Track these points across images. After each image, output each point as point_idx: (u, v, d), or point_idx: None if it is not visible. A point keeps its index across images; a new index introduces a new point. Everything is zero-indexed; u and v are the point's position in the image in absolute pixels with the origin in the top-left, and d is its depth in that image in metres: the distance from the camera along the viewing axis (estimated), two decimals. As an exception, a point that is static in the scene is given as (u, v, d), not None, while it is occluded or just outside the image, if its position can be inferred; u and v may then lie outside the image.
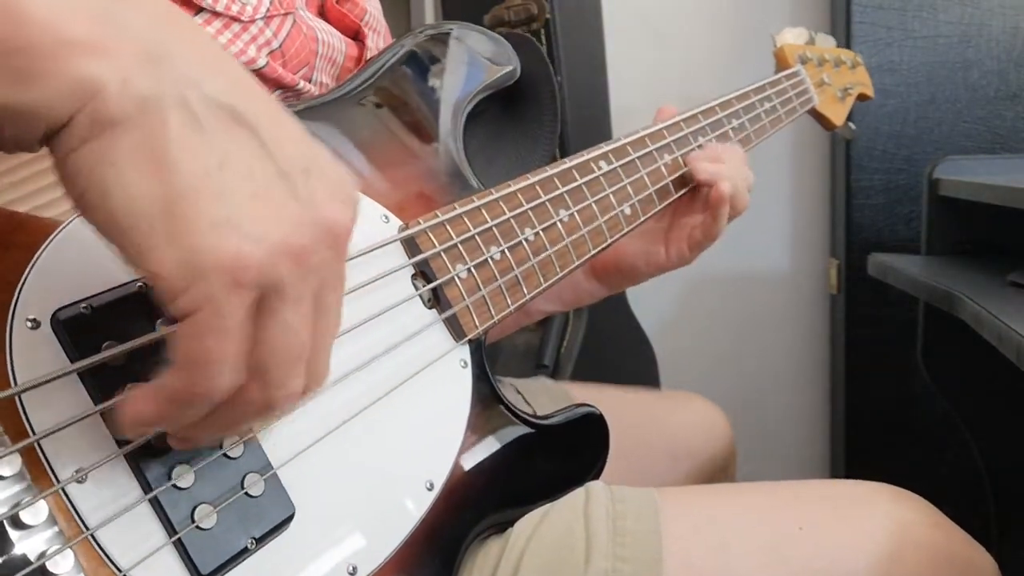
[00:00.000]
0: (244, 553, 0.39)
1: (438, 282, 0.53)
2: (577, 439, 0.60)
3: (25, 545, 0.33)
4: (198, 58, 0.31)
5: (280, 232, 0.31)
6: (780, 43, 0.93)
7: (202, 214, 0.29)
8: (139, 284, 0.39)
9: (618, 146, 0.68)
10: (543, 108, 0.70)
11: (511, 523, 0.56)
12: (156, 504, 0.37)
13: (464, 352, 0.55)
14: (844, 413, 1.59)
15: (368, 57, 0.68)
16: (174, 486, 0.38)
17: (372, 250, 0.50)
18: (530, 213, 0.59)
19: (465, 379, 0.55)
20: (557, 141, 0.72)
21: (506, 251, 0.57)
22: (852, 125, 1.02)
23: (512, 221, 0.58)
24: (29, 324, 0.36)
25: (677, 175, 0.72)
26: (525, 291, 0.58)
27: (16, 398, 0.34)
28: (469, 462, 0.53)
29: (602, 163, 0.66)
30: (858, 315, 1.54)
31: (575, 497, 0.58)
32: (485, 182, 0.60)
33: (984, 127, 1.45)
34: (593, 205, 0.64)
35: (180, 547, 0.37)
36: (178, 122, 0.29)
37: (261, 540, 0.40)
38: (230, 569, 0.39)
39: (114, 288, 0.38)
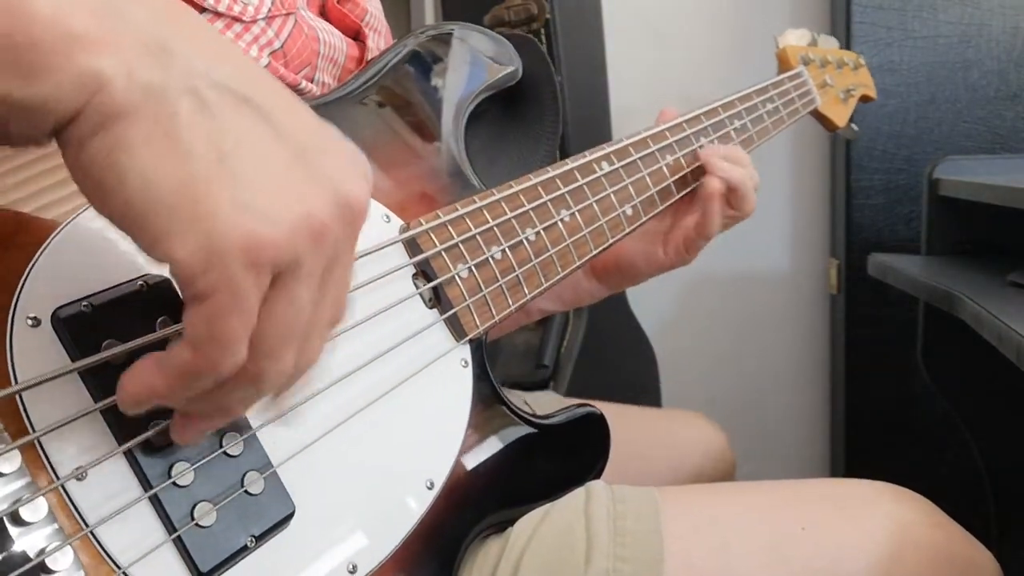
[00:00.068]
0: (244, 551, 0.39)
1: (439, 281, 0.53)
2: (578, 439, 0.60)
3: (25, 542, 0.33)
4: (203, 48, 0.31)
5: (298, 211, 0.31)
6: (783, 44, 0.94)
7: (219, 197, 0.29)
8: (140, 283, 0.39)
9: (620, 147, 0.68)
10: (545, 108, 0.70)
11: (511, 522, 0.56)
12: (156, 502, 0.37)
13: (465, 351, 0.55)
14: (844, 413, 1.59)
15: (369, 57, 0.68)
16: (174, 484, 0.38)
17: (374, 250, 0.50)
18: (531, 213, 0.59)
19: (466, 378, 0.55)
20: (559, 142, 0.72)
21: (507, 251, 0.57)
22: (855, 126, 1.02)
23: (513, 221, 0.58)
24: (30, 322, 0.36)
25: (679, 176, 0.72)
26: (526, 291, 0.58)
27: (17, 396, 0.35)
28: (470, 461, 0.53)
29: (604, 164, 0.66)
30: (858, 315, 1.54)
31: (576, 497, 0.58)
32: (487, 182, 0.60)
33: (984, 127, 1.45)
34: (594, 205, 0.64)
35: (180, 545, 0.37)
36: (188, 108, 0.30)
37: (261, 538, 0.40)
38: (230, 567, 0.39)
39: (115, 287, 0.38)
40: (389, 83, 0.59)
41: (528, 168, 0.62)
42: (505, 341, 1.32)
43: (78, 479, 0.35)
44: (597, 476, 0.61)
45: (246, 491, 0.40)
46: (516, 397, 0.82)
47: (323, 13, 0.69)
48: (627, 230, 0.67)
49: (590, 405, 0.61)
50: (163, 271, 0.39)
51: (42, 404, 0.35)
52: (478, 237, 0.56)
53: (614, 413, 0.65)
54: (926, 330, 1.17)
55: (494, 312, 0.56)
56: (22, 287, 0.36)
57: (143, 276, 0.39)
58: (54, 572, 0.34)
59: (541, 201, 0.60)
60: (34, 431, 0.34)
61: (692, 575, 0.54)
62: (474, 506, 0.54)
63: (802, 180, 1.67)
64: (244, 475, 0.40)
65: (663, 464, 0.90)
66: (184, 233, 0.29)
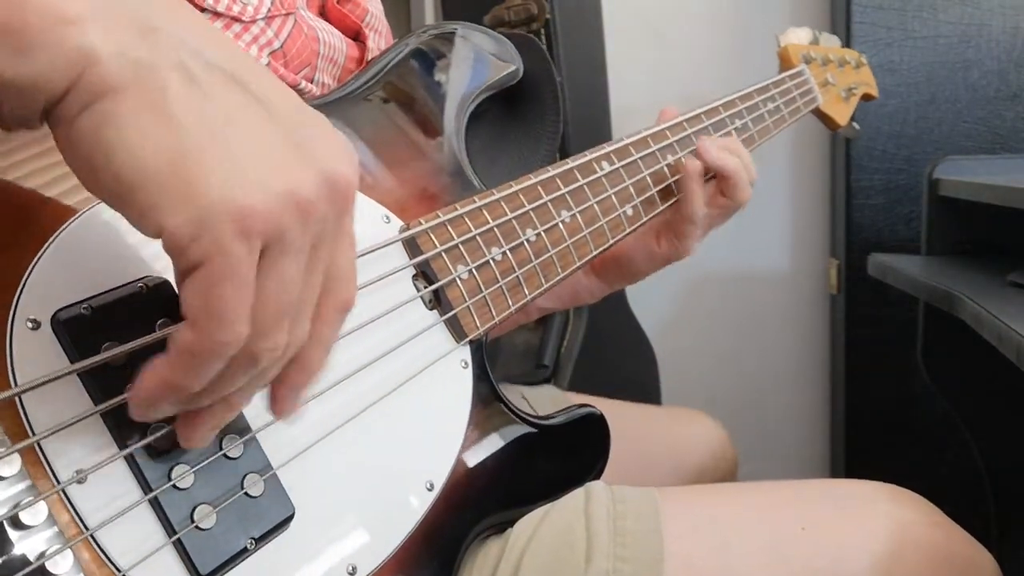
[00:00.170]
0: (244, 553, 0.39)
1: (439, 284, 0.53)
2: (578, 439, 0.60)
3: (25, 545, 0.33)
4: (192, 31, 0.32)
5: (285, 186, 0.31)
6: (784, 43, 0.94)
7: (208, 169, 0.30)
8: (139, 284, 0.39)
9: (620, 146, 0.68)
10: (545, 108, 0.70)
11: (511, 523, 0.56)
12: (156, 504, 0.37)
13: (465, 352, 0.55)
14: (844, 413, 1.59)
15: (369, 58, 0.68)
16: (174, 487, 0.38)
17: (374, 250, 0.50)
18: (532, 214, 0.59)
19: (466, 379, 0.54)
20: (559, 141, 0.72)
21: (507, 252, 0.57)
22: (856, 125, 1.02)
23: (514, 222, 0.58)
24: (30, 325, 0.36)
25: (680, 175, 0.72)
26: (526, 292, 0.58)
27: (16, 399, 0.34)
28: (470, 462, 0.53)
29: (604, 163, 0.66)
30: (858, 315, 1.54)
31: (576, 497, 0.58)
32: (487, 182, 0.60)
33: (984, 127, 1.45)
34: (595, 206, 0.64)
35: (180, 547, 0.37)
36: (177, 84, 0.30)
37: (261, 540, 0.40)
38: (230, 569, 0.39)
39: (115, 289, 0.38)
40: (390, 82, 0.59)
41: (529, 168, 0.62)
42: (505, 341, 1.32)
43: (78, 482, 0.35)
44: (597, 476, 0.61)
45: (246, 493, 0.40)
46: (515, 393, 0.82)
47: (323, 13, 0.69)
48: (628, 230, 0.67)
49: (590, 406, 0.61)
50: (163, 273, 0.39)
51: (42, 407, 0.35)
52: (478, 238, 0.56)
53: (615, 410, 0.65)
54: (926, 330, 1.17)
55: (494, 313, 0.56)
56: (22, 289, 0.36)
57: (143, 278, 0.39)
58: (54, 575, 0.34)
59: (541, 201, 0.60)
60: (34, 434, 0.34)
61: (692, 575, 0.54)
62: (474, 507, 0.54)
63: (802, 180, 1.67)
64: (244, 477, 0.40)
65: (665, 462, 0.90)
66: (173, 204, 0.29)
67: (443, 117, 0.60)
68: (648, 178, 0.69)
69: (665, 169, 0.71)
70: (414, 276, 0.53)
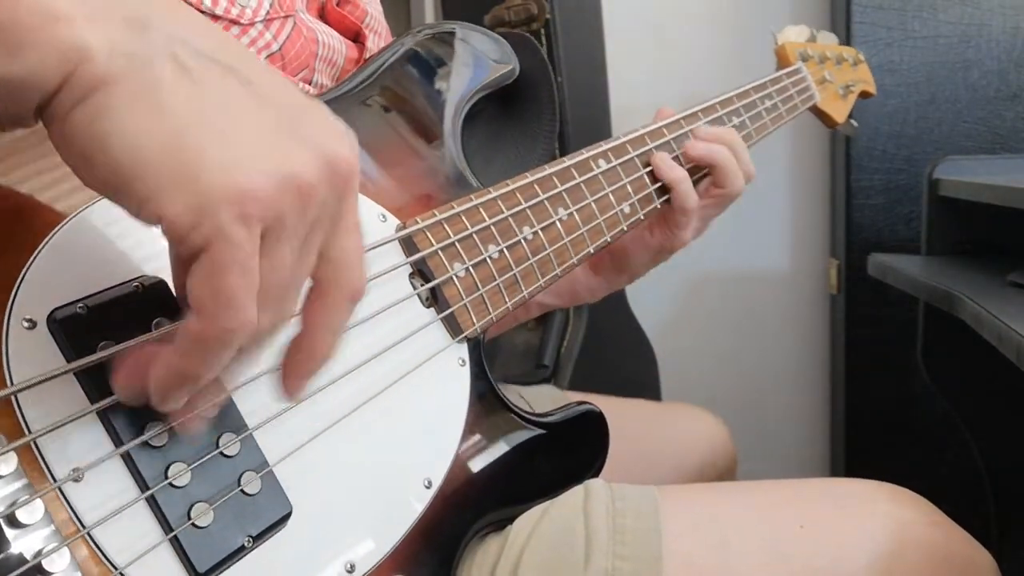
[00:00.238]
0: (241, 551, 0.39)
1: (436, 282, 0.53)
2: (576, 437, 0.60)
3: (21, 544, 0.33)
4: (185, 23, 0.32)
5: (285, 169, 0.31)
6: (781, 40, 0.94)
7: (206, 154, 0.30)
8: (135, 284, 0.39)
9: (617, 144, 0.68)
10: (542, 107, 0.70)
11: (510, 521, 0.56)
12: (152, 502, 0.37)
13: (462, 350, 0.55)
14: (844, 413, 1.59)
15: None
16: (171, 484, 0.38)
17: (370, 249, 0.50)
18: (528, 212, 0.59)
19: (463, 377, 0.54)
20: (556, 140, 0.72)
21: (504, 250, 0.57)
22: (854, 122, 1.02)
23: (510, 220, 0.58)
24: (26, 324, 0.36)
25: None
26: (523, 289, 0.58)
27: (12, 398, 0.34)
28: (468, 460, 0.53)
29: (601, 161, 0.66)
30: (858, 315, 1.54)
31: (575, 495, 0.58)
32: (484, 181, 0.60)
33: (984, 127, 1.45)
34: (592, 204, 0.64)
35: (176, 545, 0.37)
36: (171, 74, 0.30)
37: (258, 538, 0.40)
38: (227, 567, 0.39)
39: (110, 288, 0.38)
40: (386, 82, 0.59)
41: (525, 167, 0.62)
42: (505, 341, 1.32)
43: (75, 480, 0.35)
44: (596, 474, 0.61)
45: (243, 491, 0.40)
46: (513, 393, 0.82)
47: (322, 15, 0.69)
48: (624, 228, 0.67)
49: (589, 403, 0.61)
50: (158, 273, 0.39)
51: (38, 406, 0.35)
52: (475, 236, 0.56)
53: (615, 407, 0.65)
54: (926, 330, 1.17)
55: (491, 310, 0.56)
56: (18, 289, 0.36)
57: (138, 277, 0.39)
58: (51, 573, 0.34)
59: (538, 200, 0.60)
60: (30, 433, 0.34)
61: (691, 573, 0.54)
62: (473, 505, 0.54)
63: (802, 180, 1.67)
64: (241, 475, 0.40)
65: (665, 458, 0.89)
66: (172, 190, 0.29)
67: (439, 117, 0.60)
68: (645, 176, 0.69)
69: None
70: (411, 274, 0.53)
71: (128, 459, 0.37)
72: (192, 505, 0.38)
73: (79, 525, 0.35)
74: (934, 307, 1.04)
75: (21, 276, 0.36)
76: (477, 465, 0.54)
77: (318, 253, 0.34)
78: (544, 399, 0.83)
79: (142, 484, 0.37)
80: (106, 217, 0.39)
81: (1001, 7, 1.43)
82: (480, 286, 0.55)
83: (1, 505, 0.33)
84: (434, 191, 0.57)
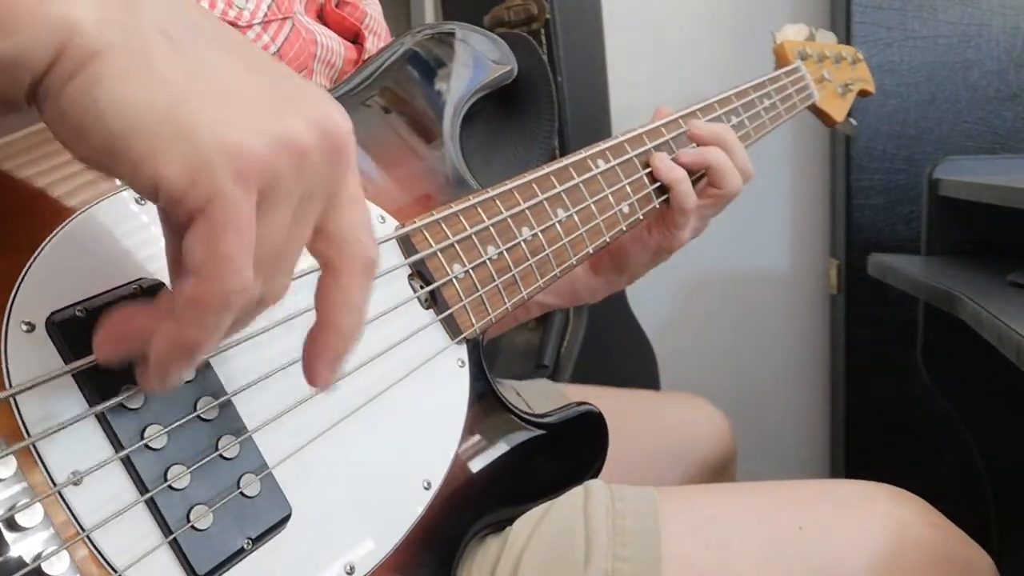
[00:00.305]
0: (240, 553, 0.39)
1: (436, 284, 0.53)
2: (576, 437, 0.60)
3: (21, 547, 0.33)
4: (169, 2, 0.32)
5: (280, 132, 0.31)
6: (780, 39, 0.94)
7: (200, 115, 0.30)
8: (134, 286, 0.39)
9: (615, 144, 0.68)
10: (540, 107, 0.70)
11: (510, 522, 0.56)
12: (152, 505, 0.37)
13: (462, 351, 0.55)
14: (844, 413, 1.59)
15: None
16: (170, 487, 0.38)
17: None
18: (527, 212, 0.59)
19: (463, 378, 0.54)
20: (555, 140, 0.72)
21: (503, 251, 0.57)
22: (853, 121, 1.02)
23: (509, 220, 0.58)
24: (24, 327, 0.36)
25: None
26: (522, 290, 0.58)
27: (11, 401, 0.34)
28: (467, 461, 0.53)
29: (600, 161, 0.66)
30: (858, 315, 1.54)
31: (574, 496, 0.58)
32: (483, 181, 0.60)
33: (984, 127, 1.45)
34: (591, 204, 0.64)
35: (176, 547, 0.37)
36: (161, 44, 0.30)
37: (258, 540, 0.40)
38: (227, 569, 0.39)
39: (109, 291, 0.38)
40: (385, 83, 0.59)
41: (524, 167, 0.62)
42: (505, 341, 1.32)
43: (74, 484, 0.35)
44: (596, 475, 0.61)
45: (242, 493, 0.40)
46: (508, 389, 0.82)
47: (321, 17, 0.69)
48: (623, 228, 0.67)
49: (588, 404, 0.61)
50: (157, 275, 0.39)
51: (37, 409, 0.35)
52: (474, 237, 0.56)
53: (613, 398, 0.64)
54: (926, 330, 1.17)
55: (490, 312, 0.56)
56: (16, 292, 0.36)
57: (137, 280, 0.39)
58: (50, 576, 0.34)
59: (537, 200, 0.60)
60: (29, 436, 0.34)
61: (691, 574, 0.54)
62: (472, 506, 0.54)
63: (802, 180, 1.67)
64: (240, 477, 0.40)
65: (665, 447, 0.89)
66: (168, 152, 0.29)
67: (438, 117, 0.60)
68: (644, 176, 0.69)
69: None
70: (409, 276, 0.53)
71: (127, 462, 0.37)
72: (191, 507, 0.38)
73: (78, 528, 0.35)
74: (934, 307, 1.04)
75: (20, 279, 0.36)
76: (476, 466, 0.54)
77: (317, 228, 0.34)
78: (541, 396, 0.83)
79: (141, 487, 0.37)
80: (105, 220, 0.39)
81: (1001, 7, 1.43)
82: (479, 287, 0.55)
83: (1, 508, 0.33)
84: (433, 192, 0.57)
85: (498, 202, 0.58)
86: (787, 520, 0.57)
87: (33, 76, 0.29)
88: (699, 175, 0.73)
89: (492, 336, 0.78)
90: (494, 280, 0.56)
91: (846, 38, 1.44)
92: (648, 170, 0.70)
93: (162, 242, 0.34)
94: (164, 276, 0.38)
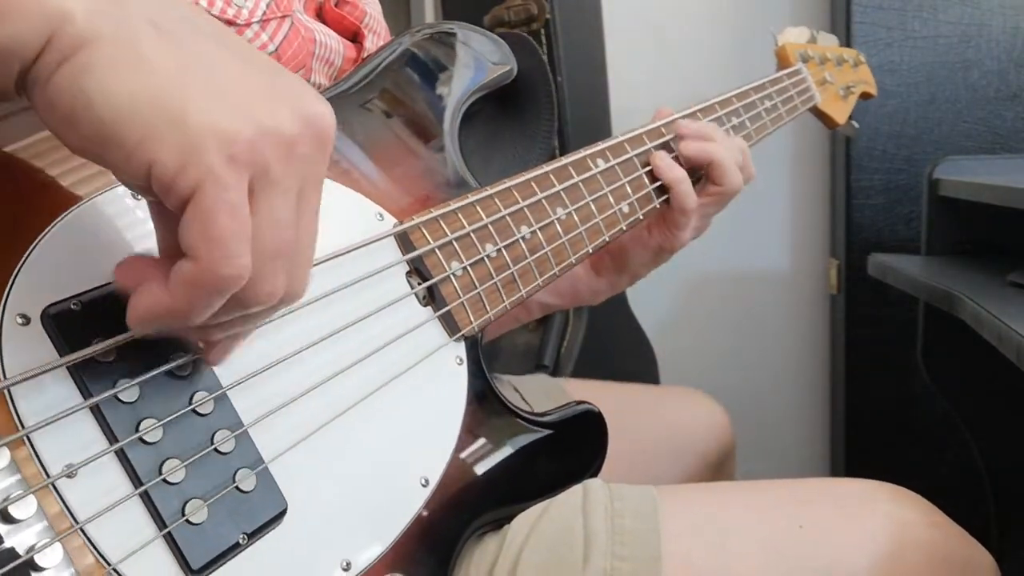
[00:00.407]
0: (236, 548, 0.39)
1: (433, 280, 0.53)
2: (575, 436, 0.60)
3: (14, 539, 0.33)
4: None
5: (268, 117, 0.32)
6: (782, 41, 0.94)
7: (190, 102, 0.30)
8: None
9: (615, 143, 0.68)
10: (540, 107, 0.70)
11: (508, 520, 0.56)
12: (146, 498, 0.37)
13: (460, 349, 0.55)
14: (844, 413, 1.58)
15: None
16: (165, 481, 0.38)
17: (366, 244, 0.50)
18: (526, 211, 0.59)
19: (461, 376, 0.54)
20: (555, 140, 0.72)
21: (502, 249, 0.57)
22: (855, 123, 1.02)
23: (508, 218, 0.58)
24: (19, 320, 0.36)
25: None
26: (521, 289, 0.58)
27: (6, 393, 0.34)
28: (465, 458, 0.53)
29: (599, 161, 0.66)
30: (858, 315, 1.54)
31: (573, 495, 0.58)
32: (482, 181, 0.60)
33: (984, 127, 1.45)
34: (591, 203, 0.64)
35: (170, 541, 0.37)
36: (150, 34, 0.30)
37: (253, 535, 0.40)
38: (222, 564, 0.39)
39: (104, 285, 0.38)
40: (383, 82, 0.59)
41: (524, 167, 0.62)
42: (505, 341, 1.32)
43: (68, 476, 0.35)
44: (595, 474, 0.60)
45: (237, 488, 0.40)
46: (506, 385, 0.82)
47: (320, 16, 0.69)
48: (623, 227, 0.67)
49: (588, 403, 0.61)
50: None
51: (31, 401, 0.35)
52: (472, 235, 0.55)
53: (612, 393, 0.64)
54: (926, 330, 1.17)
55: (489, 309, 0.56)
56: (11, 285, 0.36)
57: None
58: (44, 569, 0.33)
59: (536, 199, 0.60)
60: (23, 428, 0.34)
61: (690, 574, 0.54)
62: (470, 503, 0.53)
63: (802, 180, 1.67)
64: (236, 472, 0.40)
65: (664, 440, 0.89)
66: (159, 136, 0.30)
67: (437, 117, 0.60)
68: (644, 176, 0.69)
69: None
70: (407, 272, 0.53)
71: (122, 455, 0.37)
72: (186, 501, 0.38)
73: (72, 520, 0.35)
74: (934, 307, 1.04)
75: (16, 272, 0.36)
76: (474, 464, 0.54)
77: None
78: (541, 393, 0.82)
79: (136, 480, 0.37)
80: (101, 214, 0.39)
81: (1001, 7, 1.43)
82: (478, 285, 0.55)
83: (-6, 501, 0.33)
84: (432, 191, 0.57)
85: (497, 200, 0.58)
86: (787, 519, 0.57)
87: (23, 64, 0.29)
88: (699, 176, 0.73)
89: (493, 336, 0.77)
90: (492, 278, 0.56)
91: (846, 38, 1.44)
92: (648, 169, 0.70)
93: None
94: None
